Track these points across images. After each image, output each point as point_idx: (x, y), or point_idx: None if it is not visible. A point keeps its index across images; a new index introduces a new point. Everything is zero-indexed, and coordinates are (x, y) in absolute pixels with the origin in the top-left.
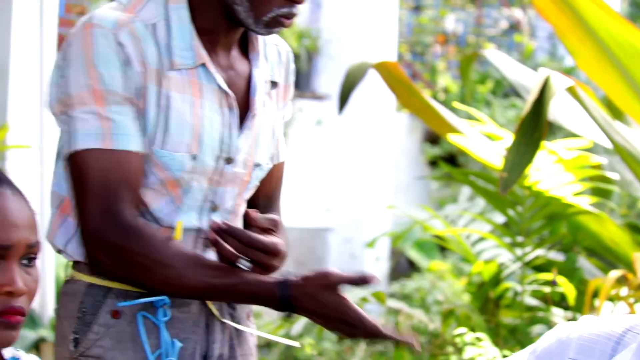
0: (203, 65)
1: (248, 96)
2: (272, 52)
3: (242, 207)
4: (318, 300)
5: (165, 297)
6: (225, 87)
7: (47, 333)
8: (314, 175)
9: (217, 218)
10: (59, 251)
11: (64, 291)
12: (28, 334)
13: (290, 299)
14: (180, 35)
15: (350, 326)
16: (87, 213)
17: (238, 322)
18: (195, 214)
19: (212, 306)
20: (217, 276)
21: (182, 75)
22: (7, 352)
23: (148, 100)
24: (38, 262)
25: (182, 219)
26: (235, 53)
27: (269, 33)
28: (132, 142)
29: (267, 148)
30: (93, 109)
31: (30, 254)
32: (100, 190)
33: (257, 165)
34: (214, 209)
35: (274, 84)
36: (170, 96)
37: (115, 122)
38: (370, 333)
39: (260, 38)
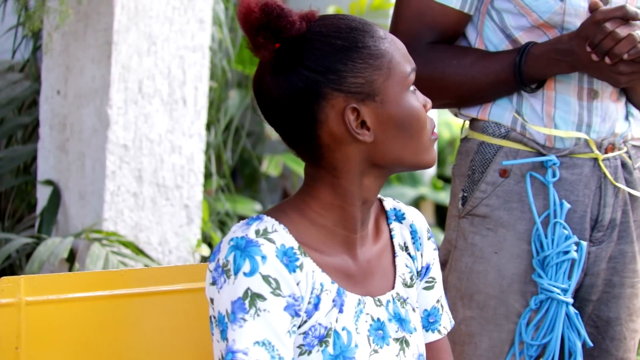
0: None
1: None
2: None
3: None
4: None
5: (553, 157)
6: None
7: (426, 191)
8: None
9: None
10: (456, 115)
11: (459, 150)
12: (408, 191)
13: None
14: None
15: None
16: None
17: (634, 187)
18: None
19: (606, 170)
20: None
21: None
22: (388, 203)
23: None
24: None
25: None
26: None
27: None
28: None
29: None
30: None
31: None
32: (406, 29)
33: None
34: None
35: None
36: None
37: None
38: None
39: None
